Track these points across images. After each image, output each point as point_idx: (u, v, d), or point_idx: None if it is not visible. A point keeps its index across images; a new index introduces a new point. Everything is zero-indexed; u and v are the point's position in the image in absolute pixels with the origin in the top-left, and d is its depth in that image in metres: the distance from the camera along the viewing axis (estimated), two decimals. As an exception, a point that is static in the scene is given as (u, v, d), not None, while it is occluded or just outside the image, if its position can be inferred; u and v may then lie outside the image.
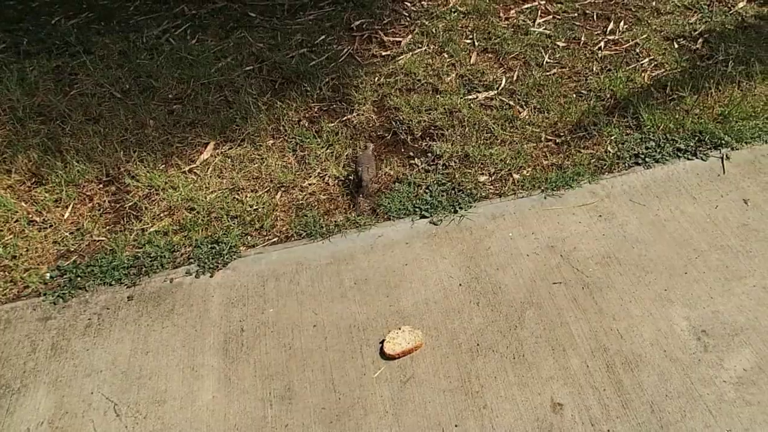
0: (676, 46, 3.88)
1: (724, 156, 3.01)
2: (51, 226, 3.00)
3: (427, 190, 3.02)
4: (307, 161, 3.31)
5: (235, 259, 2.78)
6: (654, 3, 4.32)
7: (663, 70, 3.68)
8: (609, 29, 4.10)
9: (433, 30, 4.21)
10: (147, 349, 2.42)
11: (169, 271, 2.76)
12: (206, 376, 2.31)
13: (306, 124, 3.55)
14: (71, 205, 3.10)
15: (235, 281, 2.66)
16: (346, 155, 3.32)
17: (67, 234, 2.97)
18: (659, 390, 2.14)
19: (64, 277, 2.76)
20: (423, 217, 2.89)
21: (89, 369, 2.35)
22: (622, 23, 4.14)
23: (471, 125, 3.39)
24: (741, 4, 4.18)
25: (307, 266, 2.70)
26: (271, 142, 3.46)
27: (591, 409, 2.10)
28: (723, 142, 3.07)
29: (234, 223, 2.97)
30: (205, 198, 3.11)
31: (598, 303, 2.43)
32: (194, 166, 3.33)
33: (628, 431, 2.04)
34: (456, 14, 4.38)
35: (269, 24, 4.42)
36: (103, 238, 2.97)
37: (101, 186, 3.24)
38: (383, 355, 2.33)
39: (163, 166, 3.33)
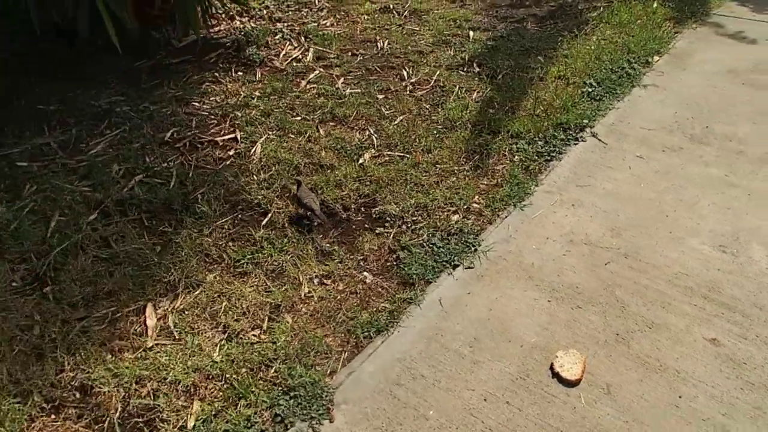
0: (462, 73, 4.71)
1: (595, 134, 3.89)
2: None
3: (431, 245, 3.12)
4: (278, 274, 3.04)
5: (332, 394, 2.45)
6: (410, 47, 5.10)
7: (477, 92, 4.45)
8: (402, 75, 4.71)
9: (253, 118, 4.18)
10: None
11: (275, 443, 2.29)
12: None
13: (235, 245, 3.21)
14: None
15: (362, 412, 2.37)
16: (310, 249, 3.15)
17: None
18: (747, 293, 2.78)
19: None
20: (454, 266, 3.00)
21: None
22: (407, 68, 4.79)
23: (392, 183, 3.57)
24: (472, 34, 5.27)
25: (410, 359, 2.57)
26: (214, 275, 3.05)
27: (732, 330, 2.62)
28: (582, 124, 3.94)
29: (286, 365, 2.58)
30: (214, 359, 2.62)
31: (646, 261, 2.97)
32: (153, 337, 2.74)
33: (765, 329, 2.62)
34: (257, 99, 4.41)
35: (58, 166, 3.76)
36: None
37: (51, 415, 2.42)
38: (569, 384, 2.43)
39: (110, 356, 2.65)
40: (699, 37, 5.07)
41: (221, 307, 2.86)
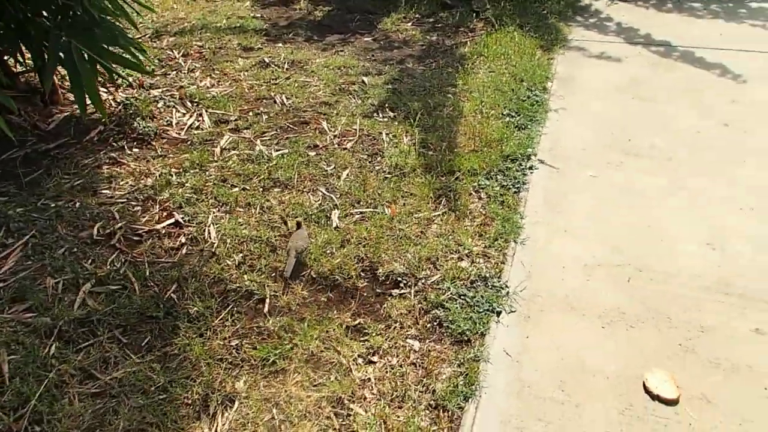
0: (380, 120, 4.68)
1: (542, 161, 4.08)
2: None
3: (462, 298, 3.03)
4: (316, 363, 2.76)
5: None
6: (312, 100, 4.96)
7: (407, 136, 4.44)
8: (321, 129, 4.55)
9: (186, 198, 3.77)
10: None
11: None
12: None
13: (249, 342, 2.85)
14: None
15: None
16: (335, 328, 2.90)
17: None
18: (753, 281, 3.10)
19: None
20: (497, 313, 2.95)
21: None
22: (322, 121, 4.64)
23: (379, 240, 3.42)
24: (366, 80, 5.27)
25: (515, 418, 2.48)
26: (245, 382, 2.68)
27: (764, 318, 2.89)
28: (526, 154, 4.12)
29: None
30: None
31: (660, 271, 3.19)
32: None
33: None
34: (177, 176, 3.98)
35: None
36: None
37: None
38: (672, 402, 2.51)
39: None
40: (571, 62, 5.58)
41: (274, 416, 2.52)
